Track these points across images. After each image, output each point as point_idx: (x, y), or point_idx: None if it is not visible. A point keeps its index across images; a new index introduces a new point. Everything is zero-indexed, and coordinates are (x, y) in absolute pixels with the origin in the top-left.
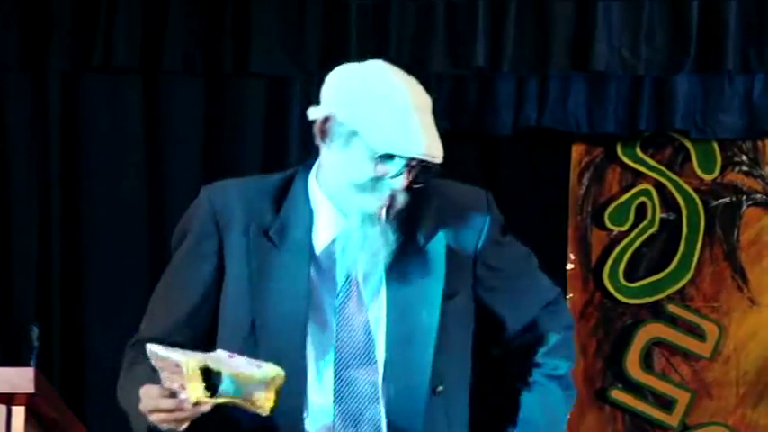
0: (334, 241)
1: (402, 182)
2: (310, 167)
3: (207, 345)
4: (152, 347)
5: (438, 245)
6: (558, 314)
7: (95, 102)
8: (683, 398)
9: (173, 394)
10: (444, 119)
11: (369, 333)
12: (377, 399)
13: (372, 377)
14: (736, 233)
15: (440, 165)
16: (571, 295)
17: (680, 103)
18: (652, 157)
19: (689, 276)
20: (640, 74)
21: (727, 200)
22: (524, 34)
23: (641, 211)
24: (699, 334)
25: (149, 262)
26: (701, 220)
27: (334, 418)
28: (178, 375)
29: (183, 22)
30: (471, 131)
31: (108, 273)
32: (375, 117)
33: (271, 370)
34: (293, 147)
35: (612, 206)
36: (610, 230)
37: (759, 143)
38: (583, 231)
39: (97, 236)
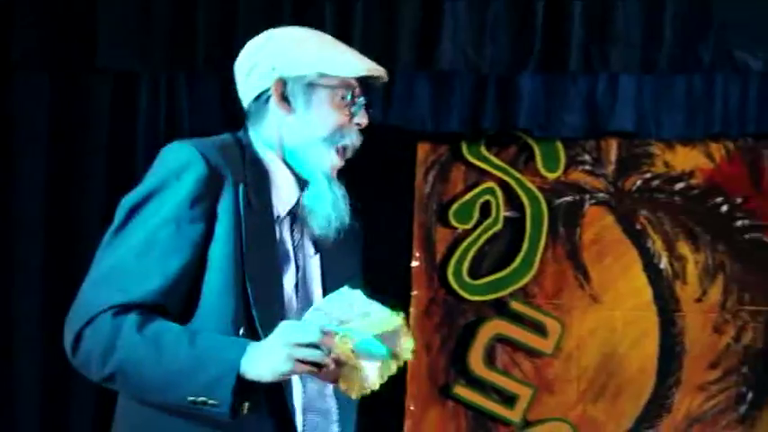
0: (293, 207)
1: (364, 118)
2: (242, 137)
3: (184, 309)
4: (353, 291)
5: (356, 222)
6: None
7: None
8: (524, 394)
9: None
10: None
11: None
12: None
13: None
14: (578, 232)
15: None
16: (416, 292)
17: (524, 102)
18: (496, 155)
19: (532, 274)
20: (485, 73)
21: (569, 198)
22: (370, 31)
23: (485, 210)
24: (541, 331)
25: None
26: (543, 218)
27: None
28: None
29: (28, 16)
30: None
31: None
32: (321, 53)
33: (396, 317)
34: (140, 143)
35: (457, 204)
36: (454, 228)
37: (602, 143)
38: (428, 229)
39: None
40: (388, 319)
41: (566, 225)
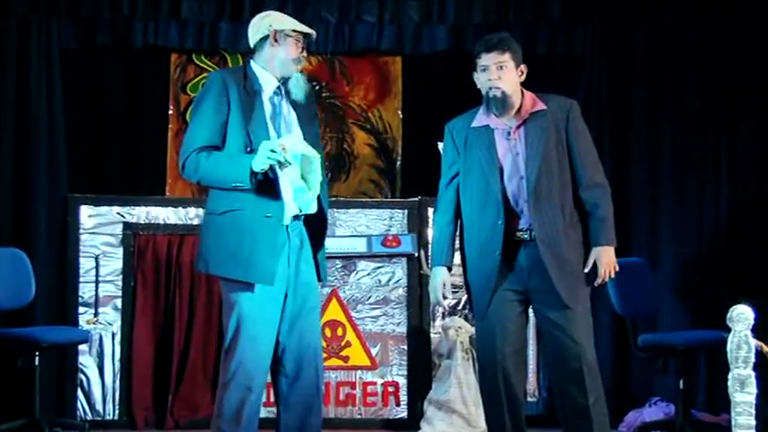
0: (276, 90)
1: (305, 53)
2: (249, 62)
3: (223, 144)
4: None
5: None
6: None
7: None
8: None
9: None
10: None
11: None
12: None
13: None
14: None
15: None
16: (171, 111)
17: (222, 38)
18: (208, 59)
19: None
20: (203, 19)
21: None
22: None
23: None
24: None
25: None
26: None
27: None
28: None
29: None
30: None
31: None
32: (292, 23)
33: (317, 155)
34: (33, 59)
35: (191, 84)
36: (189, 94)
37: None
38: (176, 93)
39: None
40: (313, 154)
41: None
